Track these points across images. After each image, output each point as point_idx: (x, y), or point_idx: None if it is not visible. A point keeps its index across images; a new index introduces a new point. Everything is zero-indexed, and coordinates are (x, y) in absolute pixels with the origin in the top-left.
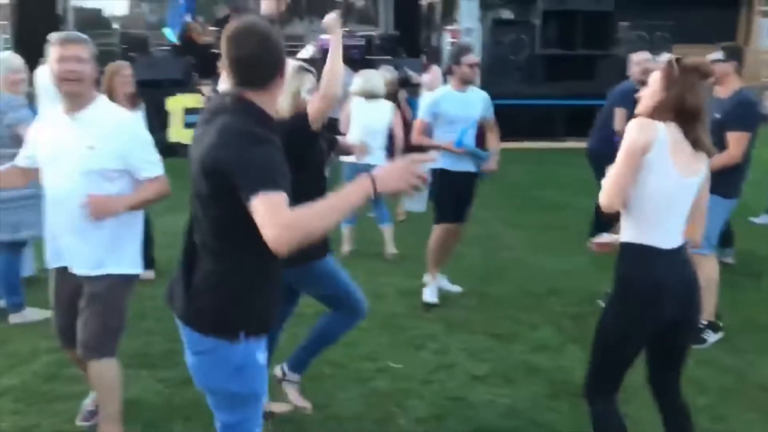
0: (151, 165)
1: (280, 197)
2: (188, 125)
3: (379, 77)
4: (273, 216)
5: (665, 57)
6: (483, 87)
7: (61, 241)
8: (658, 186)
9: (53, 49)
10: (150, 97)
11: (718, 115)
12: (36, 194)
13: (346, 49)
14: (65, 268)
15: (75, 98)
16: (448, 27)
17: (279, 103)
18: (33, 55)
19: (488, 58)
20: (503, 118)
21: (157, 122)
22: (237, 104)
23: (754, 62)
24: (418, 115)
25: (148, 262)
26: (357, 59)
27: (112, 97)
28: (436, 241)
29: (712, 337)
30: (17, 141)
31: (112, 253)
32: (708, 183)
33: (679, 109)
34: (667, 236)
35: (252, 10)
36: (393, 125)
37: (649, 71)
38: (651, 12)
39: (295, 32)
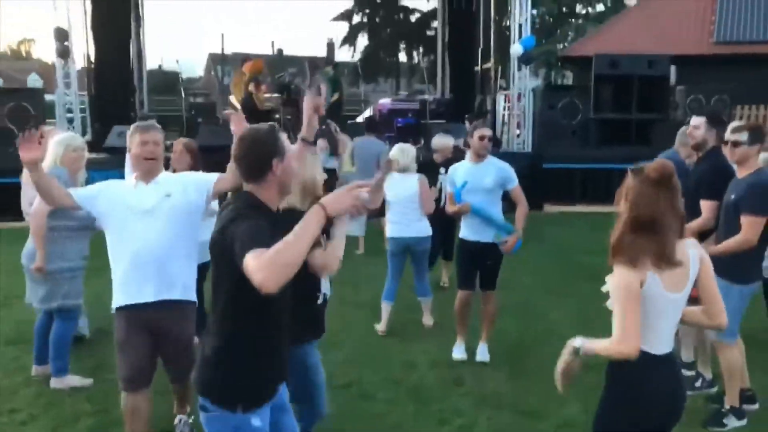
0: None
1: (262, 250)
2: None
3: (410, 151)
4: (256, 261)
5: (735, 124)
6: (536, 150)
7: (152, 276)
8: (648, 303)
9: (136, 135)
10: (213, 160)
11: (733, 196)
12: (79, 267)
13: (396, 114)
14: (141, 306)
15: (152, 172)
16: (503, 91)
17: (288, 193)
18: (108, 122)
19: (541, 122)
20: (556, 182)
21: None
22: (238, 195)
23: None
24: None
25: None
26: (408, 125)
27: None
28: (456, 305)
29: (732, 423)
30: (62, 214)
31: (193, 279)
32: (707, 266)
33: (635, 224)
34: (653, 343)
35: (313, 80)
36: (420, 195)
37: (693, 137)
38: (709, 74)
39: (355, 96)
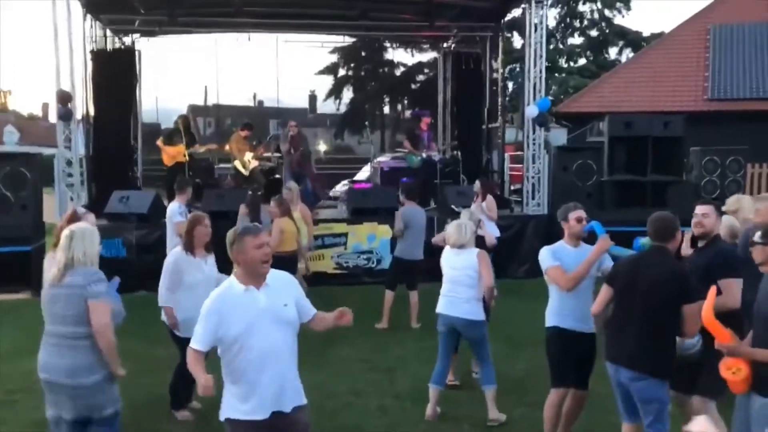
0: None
1: None
2: None
3: (468, 228)
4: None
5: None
6: (551, 212)
7: (279, 386)
8: None
9: (249, 238)
10: (220, 227)
11: None
12: None
13: (399, 172)
14: (274, 415)
15: (265, 276)
16: (508, 145)
17: None
18: (105, 184)
19: (555, 184)
20: None
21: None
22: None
23: None
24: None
25: None
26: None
27: (191, 244)
28: (546, 408)
29: None
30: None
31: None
32: None
33: None
34: None
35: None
36: (480, 270)
37: (703, 226)
38: (722, 135)
39: (339, 149)
